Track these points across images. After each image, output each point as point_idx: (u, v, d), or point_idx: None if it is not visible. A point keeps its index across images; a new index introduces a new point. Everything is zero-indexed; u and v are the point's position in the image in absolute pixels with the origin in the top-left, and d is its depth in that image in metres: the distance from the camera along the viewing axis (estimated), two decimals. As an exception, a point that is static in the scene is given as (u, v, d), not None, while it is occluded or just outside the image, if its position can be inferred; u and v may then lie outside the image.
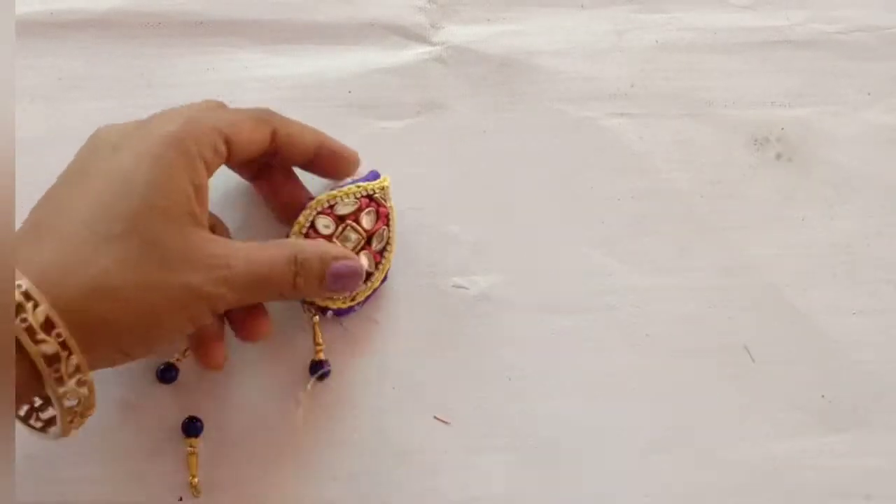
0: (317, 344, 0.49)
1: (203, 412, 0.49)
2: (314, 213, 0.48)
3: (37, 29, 0.52)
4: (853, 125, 0.54)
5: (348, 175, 0.49)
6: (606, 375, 0.51)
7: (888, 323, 0.52)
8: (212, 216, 0.47)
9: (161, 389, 0.49)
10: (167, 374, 0.48)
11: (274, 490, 0.49)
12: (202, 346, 0.46)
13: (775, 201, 0.53)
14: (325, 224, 0.48)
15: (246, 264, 0.42)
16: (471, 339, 0.51)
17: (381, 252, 0.49)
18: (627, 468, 0.50)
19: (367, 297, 0.49)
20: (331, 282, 0.45)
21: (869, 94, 0.54)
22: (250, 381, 0.50)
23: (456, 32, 0.54)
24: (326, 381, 0.50)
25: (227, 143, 0.44)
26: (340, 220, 0.48)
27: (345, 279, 0.45)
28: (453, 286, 0.51)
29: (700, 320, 0.52)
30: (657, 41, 0.55)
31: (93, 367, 0.39)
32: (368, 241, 0.48)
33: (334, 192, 0.48)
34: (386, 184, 0.49)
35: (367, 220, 0.48)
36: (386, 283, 0.50)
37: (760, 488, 0.50)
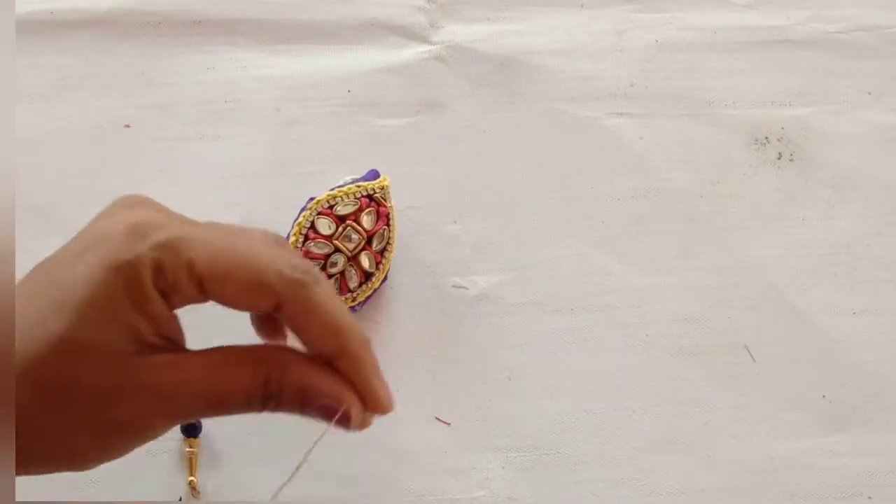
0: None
1: (203, 412, 0.49)
2: (314, 213, 0.48)
3: (37, 28, 0.52)
4: (853, 125, 0.54)
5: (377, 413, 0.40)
6: (606, 375, 0.51)
7: (888, 323, 0.52)
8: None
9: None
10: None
11: (273, 490, 0.49)
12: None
13: (775, 201, 0.53)
14: (325, 224, 0.48)
15: (202, 378, 0.35)
16: (471, 339, 0.51)
17: (382, 252, 0.49)
18: (627, 468, 0.50)
19: (368, 298, 0.49)
20: (312, 413, 0.37)
21: (869, 93, 0.54)
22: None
23: (456, 32, 0.54)
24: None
25: (199, 281, 0.34)
26: (341, 220, 0.48)
27: (324, 416, 0.37)
28: (453, 286, 0.51)
29: (700, 320, 0.52)
30: (657, 41, 0.55)
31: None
32: (369, 242, 0.48)
33: (334, 191, 0.48)
34: (386, 183, 0.49)
35: (367, 221, 0.48)
36: (386, 282, 0.50)
37: (760, 488, 0.50)
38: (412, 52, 0.54)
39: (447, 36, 0.54)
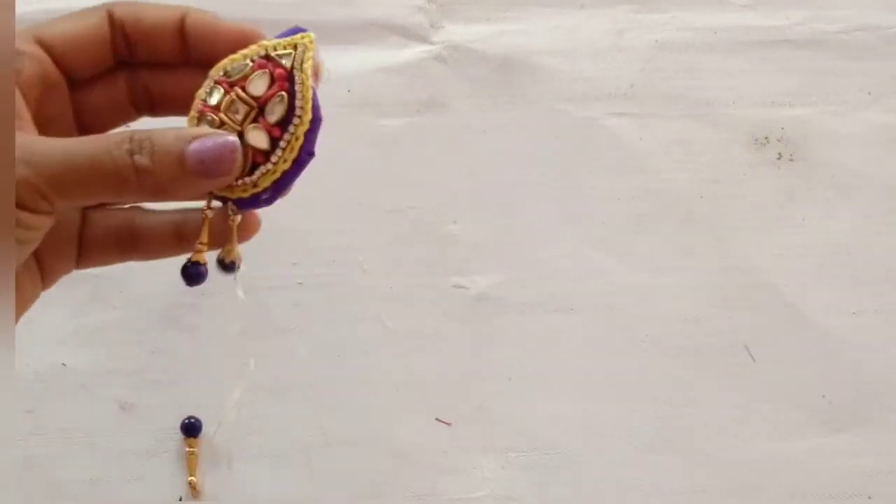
0: (200, 242, 0.39)
1: (203, 412, 0.49)
2: (211, 82, 0.39)
3: (36, 28, 0.52)
4: (853, 125, 0.54)
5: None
6: (606, 375, 0.51)
7: (888, 323, 0.52)
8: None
9: (161, 389, 0.49)
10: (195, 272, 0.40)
11: (273, 490, 0.49)
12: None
13: (775, 201, 0.53)
14: (217, 94, 0.39)
15: (63, 147, 0.35)
16: (471, 339, 0.51)
17: (282, 124, 0.38)
18: (627, 468, 0.50)
19: (281, 182, 0.39)
20: (194, 162, 0.36)
21: (869, 93, 0.54)
22: (250, 381, 0.50)
23: (456, 32, 0.54)
24: (328, 380, 0.50)
25: (41, 42, 0.38)
26: (231, 87, 0.39)
27: (213, 157, 0.37)
28: (453, 286, 0.51)
29: (700, 320, 0.52)
30: (657, 41, 0.55)
31: None
32: (261, 112, 0.38)
33: (237, 54, 0.40)
34: (301, 41, 0.40)
35: (255, 86, 0.39)
36: (313, 159, 0.39)
37: (760, 488, 0.50)
38: (412, 52, 0.54)
39: (447, 36, 0.54)
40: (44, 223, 0.36)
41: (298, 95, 0.38)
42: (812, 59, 0.55)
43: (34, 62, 0.38)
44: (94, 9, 0.38)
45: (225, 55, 0.39)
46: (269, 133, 0.38)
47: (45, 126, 0.38)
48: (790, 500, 0.50)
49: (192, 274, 0.38)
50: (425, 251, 0.52)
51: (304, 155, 0.38)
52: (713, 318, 0.52)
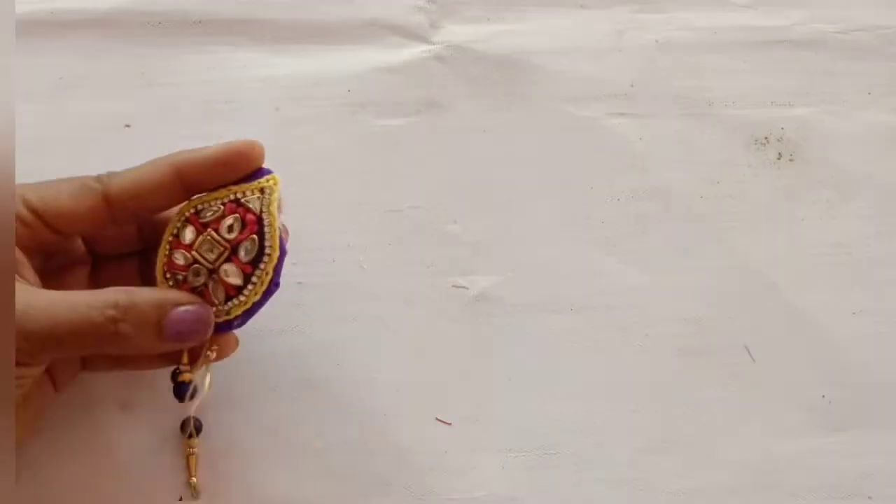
0: (182, 364, 0.44)
1: (203, 412, 0.49)
2: (182, 219, 0.43)
3: (37, 28, 0.52)
4: (853, 125, 0.54)
5: (250, 170, 0.43)
6: (606, 375, 0.51)
7: (888, 323, 0.52)
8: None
9: (161, 389, 0.49)
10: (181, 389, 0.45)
11: (273, 490, 0.49)
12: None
13: (775, 201, 0.53)
14: (190, 232, 0.43)
15: (47, 308, 0.38)
16: (471, 339, 0.51)
17: (253, 263, 0.42)
18: (627, 468, 0.50)
19: (250, 311, 0.43)
20: (170, 331, 0.40)
21: (869, 93, 0.54)
22: (250, 382, 0.50)
23: (456, 32, 0.54)
24: (328, 380, 0.50)
25: (35, 213, 0.40)
26: (204, 227, 0.43)
27: (189, 329, 0.40)
28: (453, 286, 0.51)
29: (700, 320, 0.52)
30: (657, 41, 0.55)
31: None
32: (234, 252, 0.43)
33: (205, 195, 0.44)
34: (267, 184, 0.43)
35: (227, 229, 0.43)
36: (279, 290, 0.44)
37: (760, 488, 0.50)
38: (412, 52, 0.54)
39: (447, 36, 0.54)
40: (32, 372, 0.39)
41: (267, 236, 0.42)
42: (812, 59, 0.55)
43: (28, 229, 0.41)
44: (88, 187, 0.41)
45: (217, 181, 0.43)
46: (243, 270, 0.42)
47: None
48: (790, 500, 0.50)
49: (180, 392, 0.44)
50: (425, 251, 0.52)
51: (272, 286, 0.43)
52: (713, 318, 0.52)
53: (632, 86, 0.54)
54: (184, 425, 0.48)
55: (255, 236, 0.43)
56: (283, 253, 0.43)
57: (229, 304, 0.43)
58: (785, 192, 0.53)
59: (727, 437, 0.50)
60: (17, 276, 0.40)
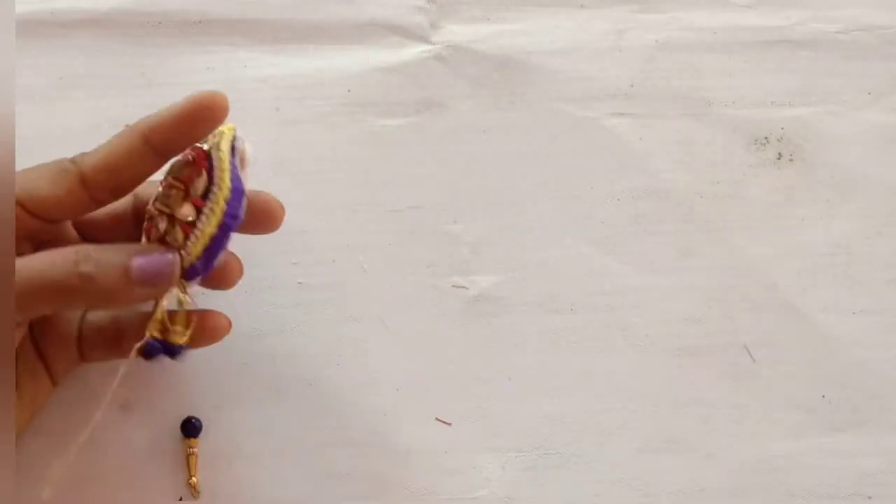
0: (153, 321, 0.43)
1: (203, 412, 0.49)
2: (158, 185, 0.44)
3: (37, 28, 0.52)
4: (853, 125, 0.54)
5: (217, 122, 0.43)
6: (606, 375, 0.51)
7: (888, 323, 0.52)
8: None
9: (161, 389, 0.49)
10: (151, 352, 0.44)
11: (273, 490, 0.49)
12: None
13: (775, 201, 0.53)
14: (157, 190, 0.43)
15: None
16: (471, 339, 0.51)
17: (204, 196, 0.42)
18: (627, 468, 0.50)
19: (211, 249, 0.42)
20: (138, 274, 0.40)
21: (869, 94, 0.54)
22: (250, 382, 0.50)
23: (456, 32, 0.54)
24: (328, 380, 0.50)
25: (19, 203, 0.41)
26: (165, 179, 0.43)
27: (153, 268, 0.41)
28: (453, 286, 0.51)
29: (700, 320, 0.52)
30: (657, 41, 0.55)
31: None
32: (188, 192, 0.42)
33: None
34: (220, 129, 0.43)
35: (178, 170, 0.43)
36: (237, 222, 0.43)
37: (760, 488, 0.50)
38: (412, 52, 0.54)
39: (447, 36, 0.54)
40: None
41: (216, 169, 0.42)
42: (812, 59, 0.55)
43: (22, 224, 0.41)
44: (65, 171, 0.42)
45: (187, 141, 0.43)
46: (195, 205, 0.42)
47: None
48: (790, 500, 0.50)
49: (148, 351, 0.43)
50: (425, 251, 0.52)
51: (228, 219, 0.42)
52: (713, 318, 0.52)
53: (632, 86, 0.54)
54: (184, 425, 0.48)
55: (203, 170, 0.42)
56: (237, 189, 0.43)
57: (188, 243, 0.42)
58: (785, 191, 0.53)
59: (727, 437, 0.50)
60: None
